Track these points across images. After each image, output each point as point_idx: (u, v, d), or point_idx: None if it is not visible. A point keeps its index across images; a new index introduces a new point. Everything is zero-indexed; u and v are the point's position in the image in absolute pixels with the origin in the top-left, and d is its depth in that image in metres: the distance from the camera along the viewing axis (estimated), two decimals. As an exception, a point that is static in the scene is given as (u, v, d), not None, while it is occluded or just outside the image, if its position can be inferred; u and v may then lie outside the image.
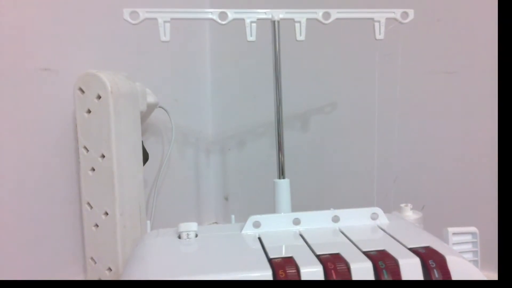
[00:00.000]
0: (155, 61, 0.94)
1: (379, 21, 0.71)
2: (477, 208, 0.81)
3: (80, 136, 0.69)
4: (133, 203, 0.73)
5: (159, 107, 0.87)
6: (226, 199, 1.14)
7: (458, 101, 0.81)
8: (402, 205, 0.74)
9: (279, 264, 0.44)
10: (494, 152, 0.78)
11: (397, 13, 0.71)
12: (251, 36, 0.69)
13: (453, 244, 0.61)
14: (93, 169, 0.69)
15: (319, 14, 0.70)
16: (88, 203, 0.70)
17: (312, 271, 0.43)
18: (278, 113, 0.72)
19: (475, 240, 0.66)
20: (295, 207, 0.69)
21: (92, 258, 0.71)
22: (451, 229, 0.71)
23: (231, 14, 0.68)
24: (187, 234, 0.53)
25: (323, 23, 0.70)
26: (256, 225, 0.54)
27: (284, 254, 0.46)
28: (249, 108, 1.07)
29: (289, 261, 0.44)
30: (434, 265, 0.44)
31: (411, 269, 0.44)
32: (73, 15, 0.74)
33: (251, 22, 0.69)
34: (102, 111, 0.67)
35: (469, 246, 0.67)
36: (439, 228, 0.60)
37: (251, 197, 1.10)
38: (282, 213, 0.57)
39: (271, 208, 0.71)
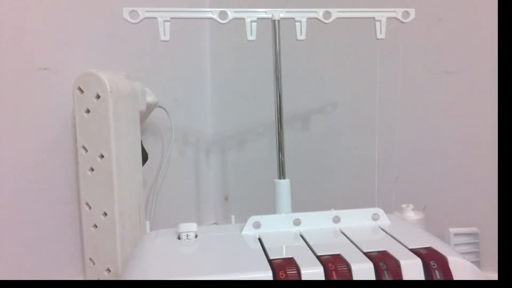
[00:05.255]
0: (155, 60, 0.94)
1: (380, 21, 0.70)
2: (479, 208, 0.80)
3: (79, 136, 0.69)
4: (132, 203, 0.73)
5: (159, 106, 0.87)
6: (226, 199, 1.14)
7: (459, 100, 0.81)
8: (404, 205, 0.73)
9: (280, 265, 0.43)
10: (495, 152, 0.78)
11: (398, 13, 0.71)
12: (251, 35, 0.69)
13: (455, 245, 0.61)
14: (92, 169, 0.69)
15: (319, 13, 0.70)
16: (87, 204, 0.70)
17: (312, 272, 0.42)
18: (278, 113, 0.72)
19: (477, 241, 0.66)
20: (295, 208, 0.68)
21: (91, 259, 0.71)
22: (452, 230, 0.71)
23: (231, 13, 0.68)
24: (187, 234, 0.53)
25: (324, 23, 0.70)
26: (256, 225, 0.54)
27: (284, 255, 0.46)
28: (249, 108, 1.06)
29: (289, 262, 0.44)
30: (435, 266, 0.44)
31: (412, 270, 0.44)
32: (73, 14, 0.74)
33: (251, 21, 0.69)
34: (101, 111, 0.67)
35: (471, 247, 0.67)
36: (441, 229, 0.59)
37: (251, 197, 1.09)
38: (283, 214, 0.56)
39: (271, 208, 0.70)
